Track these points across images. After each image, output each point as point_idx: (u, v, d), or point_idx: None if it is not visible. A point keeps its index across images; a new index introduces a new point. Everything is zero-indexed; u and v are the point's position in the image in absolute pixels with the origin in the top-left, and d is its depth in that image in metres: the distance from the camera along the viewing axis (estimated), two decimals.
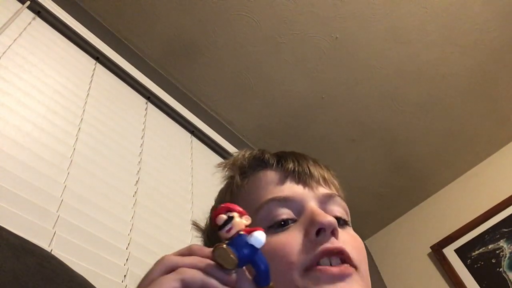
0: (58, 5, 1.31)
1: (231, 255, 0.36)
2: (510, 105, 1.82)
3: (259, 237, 0.37)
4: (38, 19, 1.26)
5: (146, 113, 1.43)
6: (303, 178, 0.54)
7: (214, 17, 1.48)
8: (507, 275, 1.71)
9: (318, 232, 0.47)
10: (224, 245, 0.36)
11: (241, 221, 0.38)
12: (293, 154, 0.59)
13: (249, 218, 0.39)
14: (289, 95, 1.69)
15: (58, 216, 0.86)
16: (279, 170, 0.56)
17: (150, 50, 1.54)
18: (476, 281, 1.76)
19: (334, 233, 0.48)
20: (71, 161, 1.01)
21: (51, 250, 0.79)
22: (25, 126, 0.97)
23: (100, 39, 1.39)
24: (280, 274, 0.46)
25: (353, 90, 1.70)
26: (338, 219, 0.52)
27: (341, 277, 0.45)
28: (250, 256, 0.37)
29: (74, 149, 1.04)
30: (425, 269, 1.93)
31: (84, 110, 1.16)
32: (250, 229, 0.38)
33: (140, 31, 1.49)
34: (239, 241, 0.37)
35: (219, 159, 1.64)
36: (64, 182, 0.95)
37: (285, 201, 0.51)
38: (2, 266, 0.28)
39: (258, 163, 0.58)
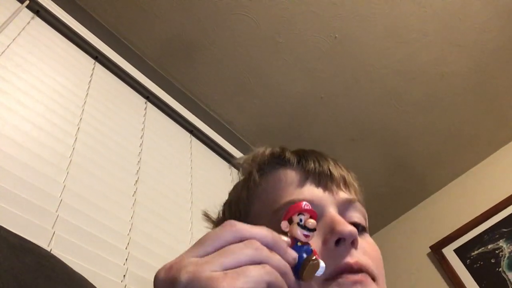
0: (57, 5, 1.30)
1: (315, 273, 0.35)
2: (510, 105, 1.82)
3: (324, 268, 0.37)
4: (37, 19, 1.25)
5: (146, 112, 1.43)
6: (323, 181, 0.53)
7: (213, 17, 1.47)
8: (507, 275, 1.71)
9: (337, 241, 0.46)
10: (321, 263, 0.35)
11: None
12: (314, 154, 0.57)
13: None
14: (288, 95, 1.69)
15: (58, 216, 0.86)
16: (299, 170, 0.54)
17: (149, 49, 1.53)
18: (476, 281, 1.76)
19: (353, 243, 0.47)
20: (70, 160, 1.01)
21: (51, 250, 0.79)
22: (24, 126, 0.97)
23: (99, 39, 1.39)
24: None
25: (353, 89, 1.70)
26: (357, 225, 0.51)
27: (361, 282, 0.44)
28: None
29: (73, 148, 1.04)
30: (424, 269, 1.93)
31: (83, 110, 1.16)
32: (315, 251, 0.38)
33: (139, 31, 1.49)
34: (302, 253, 0.36)
35: (219, 159, 1.64)
36: (63, 182, 0.95)
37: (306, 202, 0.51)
38: (1, 265, 0.28)
39: (277, 161, 0.56)
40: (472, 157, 1.99)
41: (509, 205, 1.81)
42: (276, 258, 0.33)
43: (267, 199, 0.53)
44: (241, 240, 0.33)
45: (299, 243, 0.36)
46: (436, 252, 1.91)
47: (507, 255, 1.74)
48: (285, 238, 0.37)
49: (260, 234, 0.34)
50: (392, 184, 2.01)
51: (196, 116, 1.60)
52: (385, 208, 2.11)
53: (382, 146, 1.88)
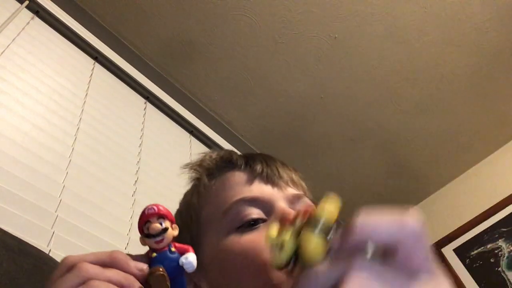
0: (57, 5, 1.30)
1: (167, 283, 0.34)
2: (509, 105, 1.82)
3: (193, 262, 0.35)
4: (37, 19, 1.26)
5: (145, 113, 1.43)
6: (271, 179, 0.53)
7: (213, 17, 1.48)
8: (506, 275, 1.71)
9: None
10: (164, 273, 0.34)
11: (172, 232, 0.36)
12: (261, 156, 0.58)
13: (177, 227, 0.37)
14: (288, 95, 1.69)
15: (57, 216, 0.86)
16: (247, 171, 0.55)
17: (149, 49, 1.53)
18: (475, 281, 1.76)
19: None
20: (70, 161, 1.01)
21: (50, 250, 0.79)
22: (24, 126, 0.97)
23: (99, 39, 1.39)
24: (255, 273, 0.45)
25: (352, 89, 1.70)
26: None
27: None
28: (179, 279, 0.35)
29: (73, 149, 1.04)
30: None
31: (82, 110, 1.16)
32: (182, 246, 0.36)
33: (139, 31, 1.49)
34: (169, 259, 0.35)
35: None
36: (62, 182, 0.95)
37: (254, 201, 0.50)
38: None
39: (225, 164, 0.57)
40: (471, 157, 1.99)
41: (508, 205, 1.81)
42: (109, 272, 0.33)
43: (217, 201, 0.53)
44: (70, 269, 0.34)
45: (153, 254, 0.35)
46: (435, 251, 1.91)
47: (506, 254, 1.74)
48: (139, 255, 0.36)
49: (91, 257, 0.35)
50: (391, 184, 2.01)
51: (195, 116, 1.60)
52: (384, 208, 2.11)
53: (381, 146, 1.88)
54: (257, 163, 0.55)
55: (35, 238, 0.78)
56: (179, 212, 0.61)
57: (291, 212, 0.47)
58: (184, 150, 1.49)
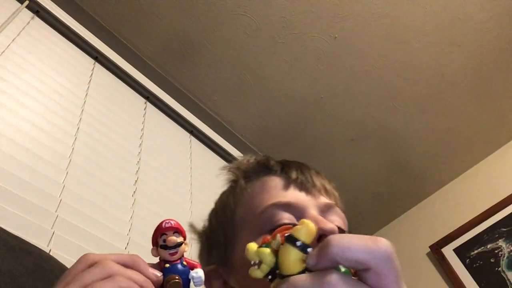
0: (57, 5, 1.30)
1: None
2: (509, 105, 1.82)
3: (202, 278, 0.38)
4: (37, 19, 1.26)
5: (145, 112, 1.43)
6: (305, 186, 0.55)
7: (213, 17, 1.48)
8: (506, 275, 1.71)
9: (319, 238, 0.47)
10: (180, 281, 0.36)
11: (184, 247, 0.38)
12: (297, 163, 0.60)
13: (189, 244, 0.40)
14: (288, 95, 1.69)
15: (57, 216, 0.86)
16: (283, 177, 0.57)
17: (149, 49, 1.53)
18: (475, 281, 1.76)
19: None
20: (70, 160, 1.01)
21: (50, 250, 0.79)
22: (24, 126, 0.97)
23: (99, 39, 1.39)
24: None
25: (352, 89, 1.70)
26: (338, 229, 0.53)
27: None
28: None
29: (73, 148, 1.04)
30: (424, 268, 1.93)
31: (83, 110, 1.16)
32: (192, 262, 0.38)
33: (139, 31, 1.49)
34: (180, 272, 0.37)
35: (218, 159, 1.64)
36: (63, 182, 0.95)
37: (287, 206, 0.52)
38: (0, 267, 0.28)
39: (262, 168, 0.59)
40: (471, 157, 1.99)
41: (508, 205, 1.81)
42: (130, 271, 0.35)
43: (252, 203, 0.55)
44: (93, 265, 0.35)
45: (167, 265, 0.37)
46: (435, 251, 1.91)
47: (506, 254, 1.74)
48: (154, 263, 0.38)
49: (114, 256, 0.36)
50: (392, 184, 2.01)
51: (195, 116, 1.60)
52: (384, 208, 2.11)
53: (381, 146, 1.88)
54: (293, 170, 0.57)
55: (35, 238, 0.78)
56: (214, 211, 0.64)
57: (322, 220, 0.49)
58: (184, 150, 1.49)
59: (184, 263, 0.38)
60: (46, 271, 0.34)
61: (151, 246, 0.39)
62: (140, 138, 1.31)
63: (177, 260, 0.37)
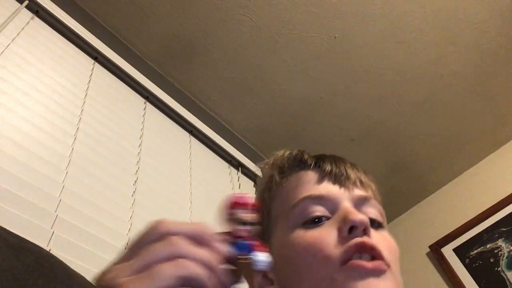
0: (56, 5, 1.30)
1: (250, 272, 0.34)
2: (509, 104, 1.82)
3: (266, 260, 0.35)
4: (37, 19, 1.25)
5: (145, 112, 1.43)
6: (339, 179, 0.56)
7: (213, 17, 1.48)
8: (506, 274, 1.71)
9: (350, 229, 0.48)
10: (259, 257, 0.34)
11: (258, 229, 0.37)
12: (331, 157, 0.61)
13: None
14: (288, 95, 1.69)
15: (57, 216, 0.86)
16: (316, 171, 0.58)
17: (148, 49, 1.53)
18: (475, 280, 1.76)
19: (366, 232, 0.49)
20: (70, 160, 1.01)
21: (50, 250, 0.79)
22: (24, 126, 0.97)
23: (99, 39, 1.39)
24: (317, 267, 0.47)
25: (352, 89, 1.70)
26: (372, 221, 0.53)
27: (375, 273, 0.46)
28: None
29: (73, 148, 1.04)
30: (423, 268, 1.94)
31: (82, 110, 1.16)
32: (262, 245, 0.35)
33: (139, 31, 1.49)
34: (246, 250, 0.34)
35: (218, 159, 1.64)
36: (62, 182, 0.95)
37: (320, 199, 0.53)
38: (1, 265, 0.28)
39: (297, 163, 0.60)
40: (471, 157, 1.99)
41: (508, 205, 1.82)
42: (197, 251, 0.32)
43: (286, 197, 0.56)
44: (162, 238, 0.33)
45: (238, 239, 0.35)
46: (435, 251, 1.91)
47: (506, 254, 1.74)
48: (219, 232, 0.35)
49: (183, 229, 0.33)
50: (391, 184, 2.01)
51: (195, 116, 1.60)
52: (384, 208, 2.11)
53: (381, 146, 1.88)
54: (327, 163, 0.58)
55: (34, 238, 0.77)
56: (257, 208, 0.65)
57: (353, 211, 0.50)
58: (183, 150, 1.49)
59: (253, 242, 0.35)
60: (47, 269, 0.34)
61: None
62: (140, 138, 1.31)
63: (246, 238, 0.35)
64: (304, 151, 0.62)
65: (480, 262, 1.79)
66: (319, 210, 0.52)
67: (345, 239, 0.48)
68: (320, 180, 0.56)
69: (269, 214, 0.58)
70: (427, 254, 1.95)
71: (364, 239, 0.48)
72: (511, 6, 1.54)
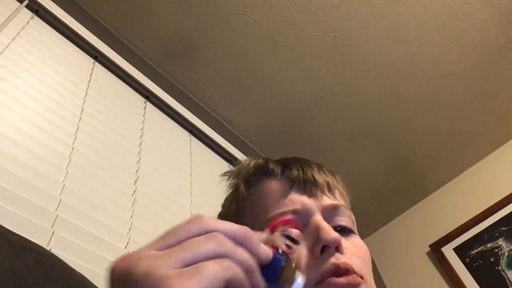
0: (56, 4, 1.30)
1: (292, 282, 0.32)
2: (509, 104, 1.82)
3: (300, 284, 0.33)
4: (36, 18, 1.25)
5: (145, 112, 1.42)
6: (308, 188, 0.55)
7: (213, 16, 1.47)
8: (506, 274, 1.71)
9: (322, 249, 0.47)
10: (299, 276, 0.32)
11: (295, 251, 0.35)
12: (297, 161, 0.59)
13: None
14: (288, 94, 1.69)
15: (57, 216, 0.86)
16: (284, 179, 0.56)
17: (148, 49, 1.53)
18: (475, 280, 1.76)
19: (338, 249, 0.48)
20: (70, 160, 1.01)
21: (50, 249, 0.79)
22: (24, 125, 0.96)
23: (99, 38, 1.39)
24: None
25: (352, 89, 1.70)
26: (343, 228, 0.53)
27: (349, 285, 0.45)
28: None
29: (73, 148, 1.04)
30: (424, 267, 1.94)
31: (82, 109, 1.16)
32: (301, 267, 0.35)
33: (138, 30, 1.49)
34: (285, 268, 0.33)
35: (218, 158, 1.64)
36: (62, 182, 0.95)
37: (294, 214, 0.51)
38: (1, 264, 0.28)
39: (262, 171, 0.58)
40: (471, 156, 1.99)
41: (508, 204, 1.82)
42: (240, 252, 0.31)
43: (256, 210, 0.55)
44: (206, 233, 0.31)
45: (280, 251, 0.34)
46: (435, 251, 1.91)
47: (506, 253, 1.74)
48: (261, 234, 0.34)
49: (228, 227, 0.32)
50: (392, 183, 2.01)
51: (195, 115, 1.60)
52: (384, 207, 2.11)
53: (381, 145, 1.88)
54: (293, 170, 0.57)
55: (35, 237, 0.77)
56: (220, 215, 0.63)
57: (325, 229, 0.49)
58: (184, 150, 1.49)
59: (293, 263, 0.34)
60: (47, 268, 0.34)
61: None
62: (140, 137, 1.31)
63: (287, 254, 0.34)
64: (268, 159, 0.60)
65: (481, 262, 1.79)
66: None
67: (318, 260, 0.47)
68: (288, 190, 0.54)
69: None
70: (428, 253, 1.95)
71: (338, 259, 0.47)
72: (511, 6, 1.54)
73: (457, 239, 1.88)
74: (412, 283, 1.94)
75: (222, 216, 0.62)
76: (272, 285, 0.32)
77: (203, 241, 0.30)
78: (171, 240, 0.31)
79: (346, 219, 0.55)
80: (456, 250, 1.86)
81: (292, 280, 0.32)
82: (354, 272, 0.47)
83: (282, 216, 0.36)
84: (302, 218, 0.51)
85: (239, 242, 0.32)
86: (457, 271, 1.82)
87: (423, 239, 1.99)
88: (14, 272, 0.27)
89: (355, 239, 0.54)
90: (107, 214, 0.99)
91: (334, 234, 0.48)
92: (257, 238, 0.33)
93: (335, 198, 0.56)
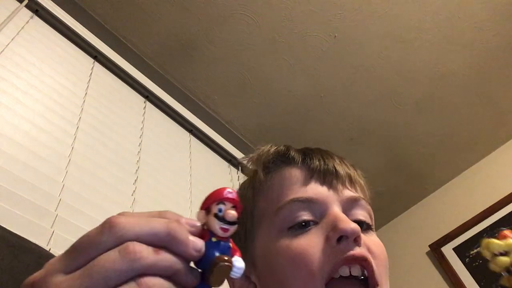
0: (56, 4, 1.30)
1: (226, 276, 0.29)
2: (509, 104, 1.82)
3: (243, 268, 0.30)
4: (36, 18, 1.25)
5: (145, 112, 1.42)
6: (328, 179, 0.52)
7: (212, 16, 1.47)
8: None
9: (339, 239, 0.45)
10: (231, 265, 0.29)
11: (236, 229, 0.31)
12: (319, 152, 0.57)
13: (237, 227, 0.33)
14: (288, 94, 1.69)
15: (57, 215, 0.86)
16: (304, 168, 0.54)
17: (148, 48, 1.53)
18: (475, 280, 1.76)
19: (356, 241, 0.46)
20: (70, 160, 1.01)
21: (50, 249, 0.79)
22: (24, 125, 0.96)
23: (98, 38, 1.39)
24: (302, 283, 0.45)
25: (352, 88, 1.70)
26: (361, 223, 0.51)
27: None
28: None
29: (73, 148, 1.04)
30: (423, 267, 1.94)
31: (82, 109, 1.16)
32: (236, 247, 0.31)
33: (138, 30, 1.49)
34: (227, 254, 0.30)
35: (218, 158, 1.64)
36: (62, 181, 0.95)
37: (308, 202, 0.49)
38: (0, 264, 0.27)
39: (282, 159, 0.56)
40: (471, 156, 1.99)
41: (507, 204, 1.82)
42: (163, 259, 0.26)
43: (271, 197, 0.53)
44: (120, 243, 0.26)
45: (213, 239, 0.30)
46: (435, 250, 1.91)
47: None
48: (193, 222, 0.30)
49: (146, 230, 0.27)
50: (391, 183, 2.01)
51: (195, 115, 1.60)
52: (384, 207, 2.11)
53: (381, 145, 1.88)
54: (315, 160, 0.54)
55: (34, 237, 0.77)
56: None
57: (343, 219, 0.46)
58: (183, 149, 1.49)
59: (231, 245, 0.30)
60: None
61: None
62: (140, 137, 1.31)
63: (224, 238, 0.30)
64: (290, 146, 0.58)
65: (480, 261, 1.78)
66: (306, 214, 0.49)
67: (333, 249, 0.45)
68: (307, 180, 0.52)
69: (253, 214, 0.54)
70: (427, 253, 1.95)
71: (356, 251, 0.45)
72: (511, 6, 1.54)
73: (456, 239, 1.88)
74: (411, 283, 1.94)
75: None
76: (208, 278, 0.29)
77: (114, 260, 0.25)
78: (80, 259, 0.26)
79: (365, 214, 0.53)
80: (456, 250, 1.86)
81: (229, 268, 0.29)
82: (370, 272, 0.45)
83: (218, 191, 0.31)
84: (318, 209, 0.49)
85: (164, 242, 0.27)
86: (456, 271, 1.81)
87: (422, 239, 1.98)
88: (13, 273, 0.27)
89: (373, 236, 0.52)
90: (107, 214, 0.98)
91: (353, 225, 0.45)
92: (186, 229, 0.28)
93: (356, 192, 0.54)
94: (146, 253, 0.25)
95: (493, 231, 1.80)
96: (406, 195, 2.08)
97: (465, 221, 1.89)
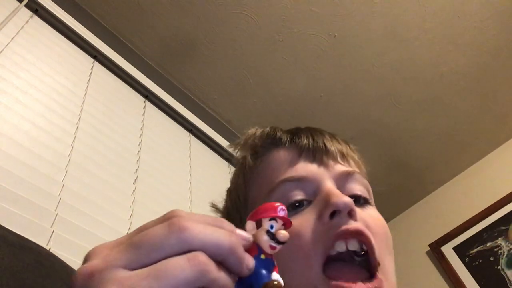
0: (56, 4, 1.30)
1: None
2: (509, 103, 1.82)
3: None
4: (36, 18, 1.25)
5: (144, 111, 1.42)
6: (318, 156, 0.50)
7: (212, 16, 1.47)
8: (505, 273, 1.71)
9: (332, 214, 0.43)
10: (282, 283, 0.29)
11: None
12: (308, 130, 0.55)
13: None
14: (287, 94, 1.69)
15: (57, 215, 0.86)
16: (292, 148, 0.52)
17: (148, 48, 1.53)
18: (475, 279, 1.76)
19: (351, 214, 0.43)
20: (69, 159, 1.01)
21: (49, 249, 0.79)
22: (23, 125, 0.96)
23: (98, 38, 1.39)
24: (299, 272, 0.42)
25: (352, 88, 1.70)
26: (358, 197, 0.49)
27: None
28: None
29: (72, 147, 1.04)
30: (423, 267, 1.94)
31: (82, 109, 1.16)
32: (276, 265, 0.31)
33: (138, 29, 1.49)
34: (268, 270, 0.29)
35: (218, 158, 1.64)
36: (62, 181, 0.95)
37: (299, 181, 0.48)
38: (0, 264, 0.28)
39: (270, 141, 0.54)
40: (471, 156, 1.99)
41: (507, 203, 1.82)
42: (223, 279, 0.26)
43: (262, 182, 0.51)
44: (187, 251, 0.26)
45: (262, 256, 0.29)
46: (435, 250, 1.91)
47: (505, 253, 1.74)
48: (246, 235, 0.30)
49: (214, 242, 0.26)
50: (391, 183, 2.01)
51: (195, 115, 1.60)
52: (384, 207, 2.11)
53: (381, 145, 1.88)
54: (303, 138, 0.52)
55: (34, 236, 0.77)
56: (229, 191, 0.59)
57: (335, 194, 0.44)
58: (183, 149, 1.49)
59: (275, 263, 0.30)
60: (46, 268, 0.34)
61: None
62: (140, 137, 1.31)
63: (270, 256, 0.30)
64: (277, 128, 0.56)
65: (480, 261, 1.79)
66: (299, 194, 0.47)
67: (326, 226, 0.43)
68: (296, 159, 0.50)
69: (246, 201, 0.53)
70: (427, 252, 1.96)
71: (350, 225, 0.42)
72: (511, 6, 1.54)
73: (456, 238, 1.88)
74: (411, 282, 1.94)
75: (231, 192, 0.58)
76: None
77: (183, 268, 0.25)
78: (145, 257, 0.25)
79: (361, 187, 0.51)
80: (456, 249, 1.86)
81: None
82: (370, 249, 0.42)
83: (271, 206, 0.30)
84: (310, 187, 0.47)
85: (223, 256, 0.27)
86: (456, 270, 1.82)
87: (422, 239, 1.99)
88: (13, 272, 0.27)
89: (371, 210, 0.50)
90: (107, 214, 0.99)
91: (346, 198, 0.43)
92: (241, 243, 0.28)
93: (350, 166, 0.52)
94: (212, 268, 0.26)
95: (493, 230, 1.81)
96: (406, 195, 2.08)
97: (465, 220, 1.89)
